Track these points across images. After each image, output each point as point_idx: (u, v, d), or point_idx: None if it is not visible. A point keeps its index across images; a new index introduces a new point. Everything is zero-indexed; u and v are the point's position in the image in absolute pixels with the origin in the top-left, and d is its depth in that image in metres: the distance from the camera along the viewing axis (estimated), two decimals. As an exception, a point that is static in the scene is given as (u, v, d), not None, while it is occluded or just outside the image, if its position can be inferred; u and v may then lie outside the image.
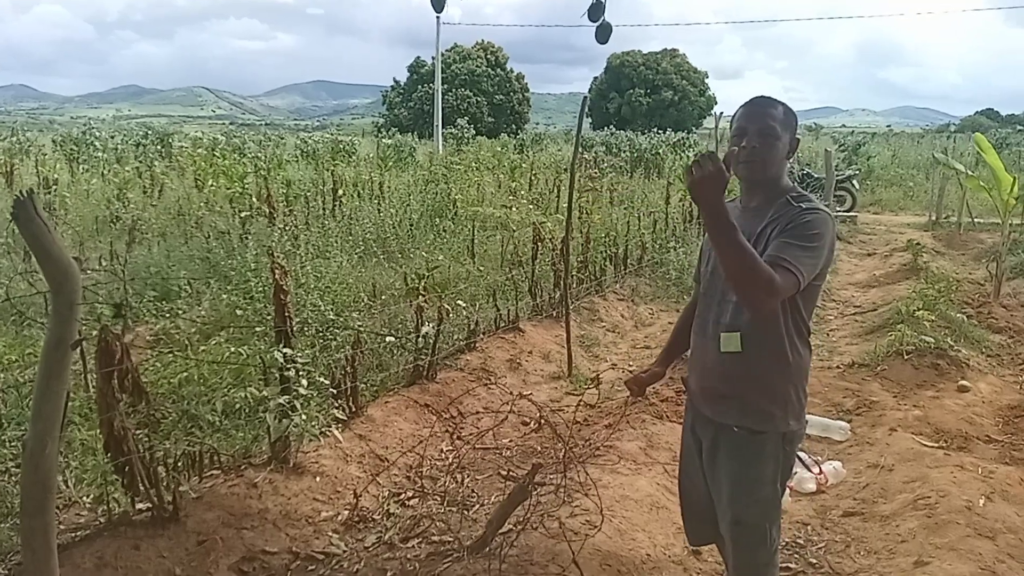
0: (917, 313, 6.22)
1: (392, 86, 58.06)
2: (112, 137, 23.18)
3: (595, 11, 4.28)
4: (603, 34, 4.28)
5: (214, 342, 4.75)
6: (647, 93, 60.93)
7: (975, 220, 13.62)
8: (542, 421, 4.73)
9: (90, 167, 16.62)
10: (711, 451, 2.32)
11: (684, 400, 2.54)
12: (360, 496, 3.70)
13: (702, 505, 2.46)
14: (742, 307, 2.15)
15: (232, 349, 4.47)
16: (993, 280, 8.09)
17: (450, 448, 4.46)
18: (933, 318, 6.20)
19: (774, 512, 2.29)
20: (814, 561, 3.39)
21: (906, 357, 5.66)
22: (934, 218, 14.65)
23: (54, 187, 11.00)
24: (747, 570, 2.35)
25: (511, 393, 4.28)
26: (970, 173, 9.54)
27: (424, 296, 5.03)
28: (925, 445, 4.36)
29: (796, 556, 3.42)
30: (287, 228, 8.13)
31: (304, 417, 3.68)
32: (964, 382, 5.32)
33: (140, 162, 17.01)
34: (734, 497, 2.26)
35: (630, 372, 5.53)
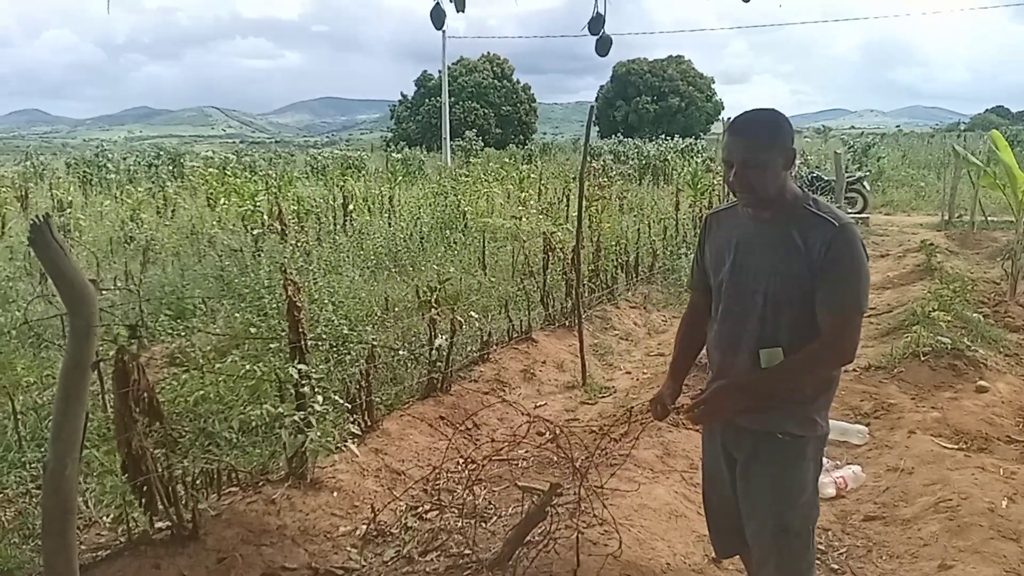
0: (933, 314, 6.16)
1: (400, 100, 58.39)
2: (124, 159, 23.46)
3: (595, 24, 4.28)
4: (603, 47, 4.29)
5: (229, 360, 4.78)
6: (654, 100, 60.93)
7: (988, 219, 13.50)
8: (557, 433, 4.72)
9: (103, 189, 16.80)
10: (748, 462, 2.29)
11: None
12: (378, 511, 3.70)
13: (730, 518, 2.42)
14: (782, 323, 2.17)
15: (247, 366, 4.49)
16: (1009, 279, 8.00)
17: (466, 461, 4.46)
18: (949, 318, 6.13)
19: (814, 514, 2.30)
20: (836, 567, 3.36)
21: (923, 358, 5.60)
22: (947, 218, 14.51)
23: (68, 210, 11.12)
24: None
25: (527, 413, 4.28)
26: (986, 169, 9.45)
27: (436, 309, 5.04)
28: (945, 447, 4.31)
29: (817, 562, 3.38)
30: (299, 244, 8.19)
31: (320, 433, 3.69)
32: (982, 382, 5.25)
33: (152, 183, 17.18)
34: (779, 504, 2.23)
35: (645, 380, 5.51)
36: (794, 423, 2.20)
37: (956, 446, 4.35)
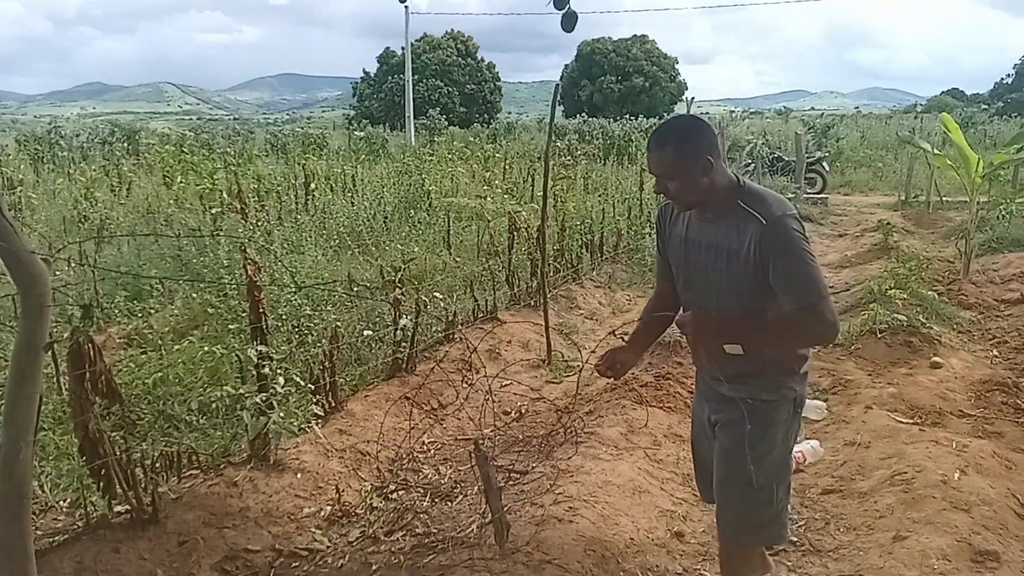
0: (889, 292, 6.29)
1: (362, 78, 57.54)
2: (77, 136, 22.76)
3: (560, -1, 4.23)
4: (569, 22, 4.24)
5: (188, 341, 4.69)
6: (618, 80, 60.99)
7: (943, 199, 13.81)
8: (523, 411, 4.75)
9: (56, 167, 16.30)
10: (723, 423, 2.43)
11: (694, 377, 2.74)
12: (342, 491, 3.68)
13: (712, 471, 2.57)
14: (735, 314, 2.28)
15: (207, 348, 4.41)
16: (962, 257, 8.20)
17: (431, 440, 4.45)
18: (905, 296, 6.28)
19: (783, 472, 2.41)
20: (795, 539, 3.43)
21: (879, 335, 5.73)
22: (903, 198, 14.81)
23: (19, 188, 10.76)
24: (751, 528, 2.43)
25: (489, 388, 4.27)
26: (937, 152, 9.67)
27: (401, 289, 5.00)
28: (900, 422, 4.42)
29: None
30: (259, 224, 8.05)
31: (282, 414, 3.65)
32: (936, 359, 5.39)
33: (107, 160, 16.70)
34: (745, 461, 2.35)
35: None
36: (768, 392, 2.34)
37: (911, 421, 4.47)
